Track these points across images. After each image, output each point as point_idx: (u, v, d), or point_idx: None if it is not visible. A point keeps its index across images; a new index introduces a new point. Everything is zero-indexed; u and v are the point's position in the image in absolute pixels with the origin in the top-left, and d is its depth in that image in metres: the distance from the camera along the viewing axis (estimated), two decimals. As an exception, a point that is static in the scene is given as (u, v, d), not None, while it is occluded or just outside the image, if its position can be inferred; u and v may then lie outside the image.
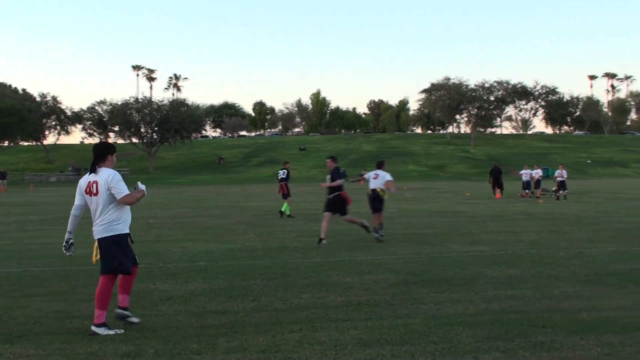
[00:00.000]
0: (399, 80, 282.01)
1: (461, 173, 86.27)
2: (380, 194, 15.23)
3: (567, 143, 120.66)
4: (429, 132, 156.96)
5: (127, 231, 7.04)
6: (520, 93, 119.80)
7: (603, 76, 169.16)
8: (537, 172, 37.56)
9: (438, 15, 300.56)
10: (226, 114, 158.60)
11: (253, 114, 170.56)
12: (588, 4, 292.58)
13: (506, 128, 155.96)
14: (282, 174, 23.34)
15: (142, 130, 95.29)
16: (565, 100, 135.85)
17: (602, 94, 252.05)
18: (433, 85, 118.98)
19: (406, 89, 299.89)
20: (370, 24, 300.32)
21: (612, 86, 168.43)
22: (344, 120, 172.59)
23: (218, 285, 9.31)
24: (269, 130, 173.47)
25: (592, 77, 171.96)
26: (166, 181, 77.76)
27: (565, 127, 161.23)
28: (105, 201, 6.82)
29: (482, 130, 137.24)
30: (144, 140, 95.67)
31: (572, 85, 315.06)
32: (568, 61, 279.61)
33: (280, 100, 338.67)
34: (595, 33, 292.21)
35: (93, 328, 6.65)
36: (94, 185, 6.85)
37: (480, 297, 8.26)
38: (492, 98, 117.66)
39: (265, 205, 29.12)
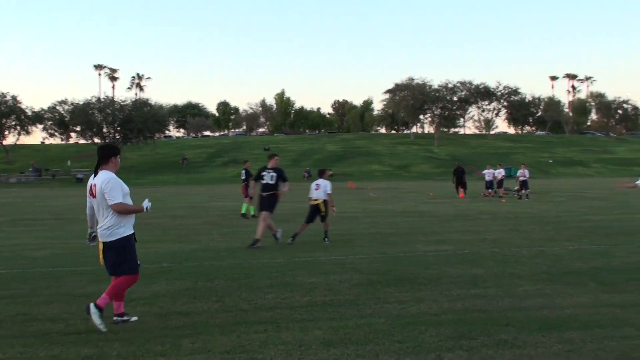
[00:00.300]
0: (364, 80, 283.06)
1: (425, 173, 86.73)
2: (320, 207, 14.89)
3: (529, 143, 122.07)
4: (393, 132, 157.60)
5: (131, 232, 7.13)
6: (483, 93, 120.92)
7: (564, 77, 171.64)
8: (500, 172, 37.94)
9: (402, 16, 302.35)
10: (190, 114, 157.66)
11: (217, 114, 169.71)
12: (549, 6, 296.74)
13: (469, 128, 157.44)
14: (242, 174, 23.47)
15: (105, 130, 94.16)
16: (527, 100, 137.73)
17: (563, 94, 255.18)
18: (397, 85, 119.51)
19: (370, 89, 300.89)
20: (335, 24, 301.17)
21: (573, 87, 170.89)
22: (309, 120, 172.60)
23: (182, 286, 9.24)
24: (233, 130, 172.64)
25: (554, 78, 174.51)
26: (129, 182, 75.22)
27: (527, 127, 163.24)
28: (103, 205, 6.89)
29: (445, 130, 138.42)
30: (106, 141, 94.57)
31: (534, 86, 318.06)
32: (530, 62, 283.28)
33: (244, 100, 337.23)
34: (557, 34, 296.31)
35: (116, 318, 7.05)
36: (94, 187, 6.93)
37: (444, 296, 8.31)
38: (455, 98, 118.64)
39: (229, 205, 28.93)
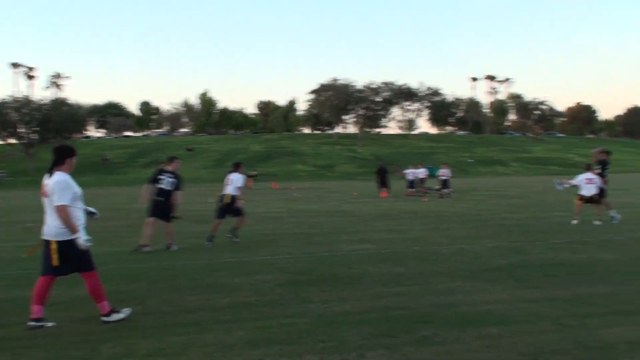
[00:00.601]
0: (288, 80, 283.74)
1: (349, 173, 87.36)
2: (226, 199, 14.41)
3: (451, 143, 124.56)
4: (317, 132, 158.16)
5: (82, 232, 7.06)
6: (405, 94, 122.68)
7: (484, 78, 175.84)
8: (422, 172, 38.50)
9: (326, 16, 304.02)
10: (110, 113, 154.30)
11: (139, 114, 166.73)
12: (470, 8, 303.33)
13: (392, 128, 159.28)
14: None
15: (21, 130, 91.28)
16: (448, 101, 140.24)
17: (483, 95, 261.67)
18: (321, 86, 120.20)
19: (295, 89, 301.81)
20: (260, 24, 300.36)
21: (492, 88, 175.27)
22: (233, 120, 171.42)
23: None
24: (155, 130, 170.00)
25: (474, 79, 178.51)
26: (47, 183, 74.57)
27: (449, 128, 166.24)
28: (52, 205, 6.88)
29: (368, 130, 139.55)
30: (23, 141, 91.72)
31: (455, 87, 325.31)
32: (451, 64, 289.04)
33: (166, 100, 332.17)
34: (478, 36, 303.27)
35: (103, 319, 7.08)
36: (47, 187, 6.98)
37: (367, 294, 8.38)
38: (378, 99, 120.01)
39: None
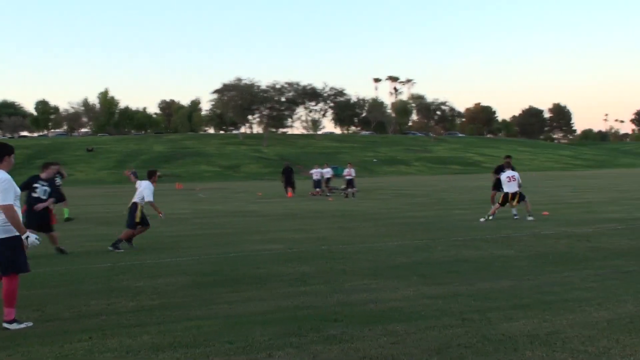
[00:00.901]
0: (191, 80, 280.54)
1: (254, 173, 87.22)
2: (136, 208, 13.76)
3: (355, 143, 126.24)
4: (222, 132, 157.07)
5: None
6: (310, 94, 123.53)
7: (386, 79, 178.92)
8: (328, 171, 38.77)
9: (229, 16, 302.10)
10: (5, 113, 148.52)
11: (35, 113, 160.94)
12: (372, 10, 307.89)
13: (297, 128, 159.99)
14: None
15: None
16: (352, 101, 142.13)
17: (386, 96, 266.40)
18: (225, 85, 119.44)
19: (198, 89, 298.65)
20: (161, 21, 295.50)
21: (395, 89, 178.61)
22: (134, 120, 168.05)
23: (-4, 297, 8.62)
24: (53, 130, 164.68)
25: (377, 80, 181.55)
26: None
27: (353, 128, 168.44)
28: None
29: (274, 130, 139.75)
30: None
31: (359, 88, 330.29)
32: (354, 64, 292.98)
33: (65, 99, 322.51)
34: (380, 37, 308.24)
35: (5, 325, 6.83)
36: None
37: (274, 294, 8.33)
38: (283, 99, 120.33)
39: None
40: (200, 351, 5.79)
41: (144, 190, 13.84)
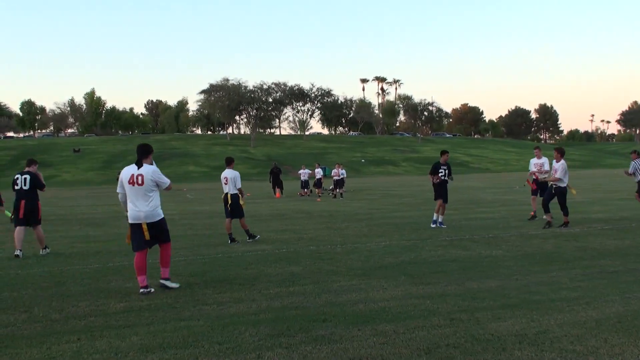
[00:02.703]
0: (178, 80, 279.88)
1: (242, 173, 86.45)
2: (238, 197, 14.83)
3: (342, 143, 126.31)
4: (209, 132, 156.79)
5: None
6: (297, 95, 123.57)
7: (374, 80, 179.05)
8: (318, 172, 38.78)
9: (215, 16, 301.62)
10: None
11: (21, 114, 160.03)
12: (359, 10, 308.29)
13: (285, 129, 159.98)
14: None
15: None
16: (339, 102, 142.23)
17: (373, 96, 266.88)
18: (212, 86, 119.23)
19: (185, 89, 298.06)
20: (147, 22, 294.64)
21: (382, 89, 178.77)
22: (121, 120, 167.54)
23: (-17, 298, 8.58)
24: (39, 131, 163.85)
25: (364, 81, 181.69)
26: None
27: (340, 128, 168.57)
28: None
29: (261, 131, 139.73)
30: None
31: (346, 88, 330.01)
32: (342, 65, 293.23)
33: (51, 100, 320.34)
34: (367, 38, 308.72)
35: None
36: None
37: (263, 295, 8.33)
38: (270, 99, 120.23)
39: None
40: (190, 352, 5.79)
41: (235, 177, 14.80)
